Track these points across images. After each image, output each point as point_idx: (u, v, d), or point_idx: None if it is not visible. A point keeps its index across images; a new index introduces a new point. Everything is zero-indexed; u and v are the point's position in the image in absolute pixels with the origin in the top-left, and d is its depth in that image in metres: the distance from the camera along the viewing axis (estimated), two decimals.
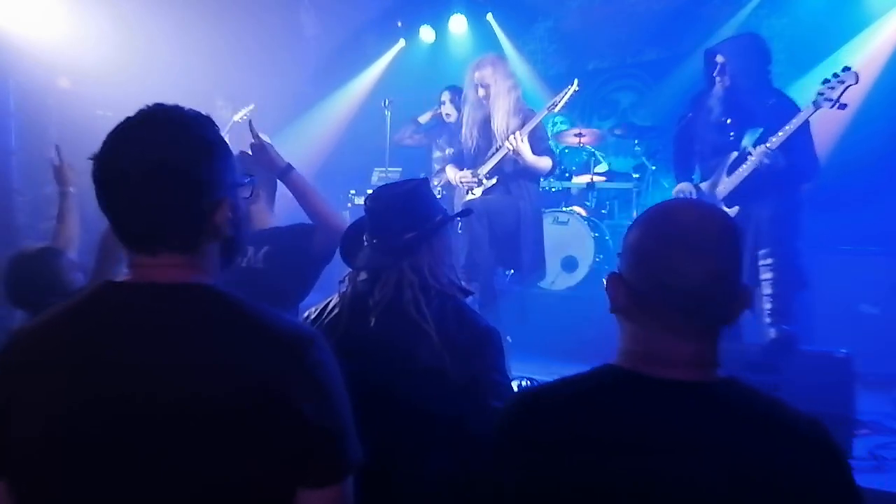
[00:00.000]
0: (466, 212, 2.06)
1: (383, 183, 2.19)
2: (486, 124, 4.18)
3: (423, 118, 5.16)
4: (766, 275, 3.31)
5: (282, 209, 2.76)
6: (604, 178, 5.66)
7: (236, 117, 5.17)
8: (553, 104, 4.18)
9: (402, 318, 1.72)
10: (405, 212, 1.80)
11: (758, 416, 1.02)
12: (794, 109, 3.40)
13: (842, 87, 3.20)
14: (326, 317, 1.82)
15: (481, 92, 4.09)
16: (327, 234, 2.31)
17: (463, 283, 1.99)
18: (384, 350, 1.71)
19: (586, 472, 1.00)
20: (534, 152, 4.08)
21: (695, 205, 1.13)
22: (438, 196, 5.01)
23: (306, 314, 1.93)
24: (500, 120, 4.06)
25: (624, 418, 1.02)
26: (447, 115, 4.86)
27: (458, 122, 4.68)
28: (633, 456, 0.99)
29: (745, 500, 0.96)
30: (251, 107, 5.23)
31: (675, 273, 1.02)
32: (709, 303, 1.03)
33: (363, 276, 1.82)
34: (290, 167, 2.38)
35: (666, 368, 1.04)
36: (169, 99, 1.12)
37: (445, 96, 4.93)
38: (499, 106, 4.07)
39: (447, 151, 4.84)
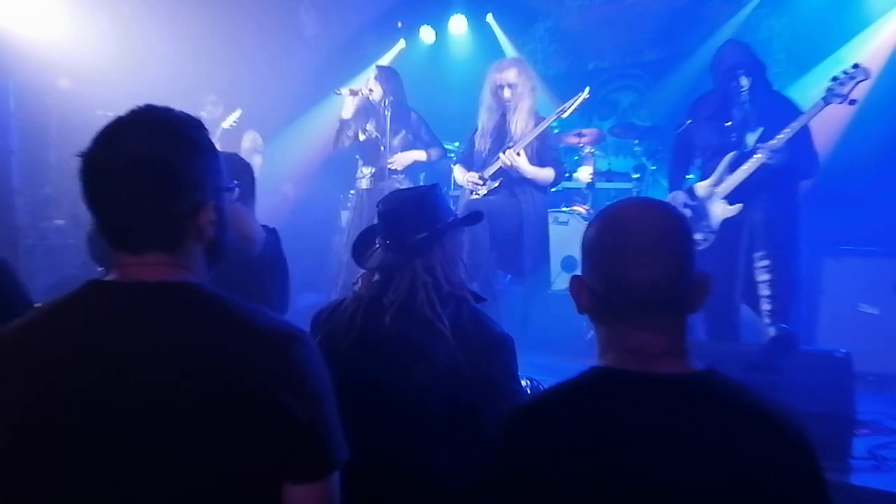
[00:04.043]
0: (478, 215, 2.07)
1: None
2: (500, 127, 4.19)
3: (347, 113, 4.72)
4: (763, 276, 3.32)
5: (276, 220, 2.76)
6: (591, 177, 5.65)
7: (225, 124, 5.14)
8: (562, 110, 4.18)
9: (416, 318, 1.72)
10: (417, 213, 1.82)
11: (739, 409, 1.04)
12: (794, 108, 3.41)
13: (852, 83, 3.20)
14: (340, 318, 1.83)
15: (507, 93, 4.10)
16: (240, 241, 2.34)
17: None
18: (400, 350, 1.71)
19: (581, 472, 1.01)
20: (542, 160, 4.11)
21: (642, 204, 1.16)
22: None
23: (317, 312, 1.94)
24: (522, 120, 4.09)
25: (615, 416, 1.04)
26: (371, 90, 4.60)
27: (397, 104, 4.57)
28: (623, 453, 1.00)
29: (728, 493, 0.97)
30: (238, 112, 5.18)
31: (628, 273, 1.06)
32: (665, 298, 1.06)
33: (376, 277, 1.83)
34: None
35: (645, 363, 1.06)
36: (168, 99, 1.12)
37: (372, 72, 4.72)
38: (522, 106, 4.11)
39: (368, 127, 4.68)
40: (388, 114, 4.51)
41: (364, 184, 4.75)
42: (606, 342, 1.12)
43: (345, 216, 5.41)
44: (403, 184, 4.51)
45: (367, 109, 4.71)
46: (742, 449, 0.99)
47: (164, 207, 1.06)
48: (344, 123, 4.73)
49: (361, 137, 4.74)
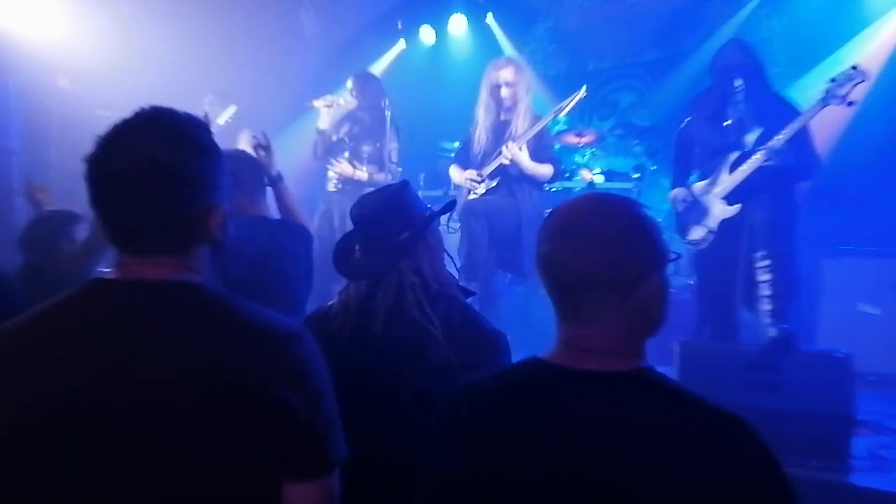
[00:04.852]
0: (451, 204, 2.05)
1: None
2: (497, 126, 4.20)
3: (323, 124, 4.73)
4: (763, 276, 3.32)
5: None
6: (603, 178, 5.66)
7: (220, 120, 5.14)
8: (559, 109, 4.19)
9: (407, 320, 1.71)
10: (394, 214, 1.79)
11: (676, 405, 1.03)
12: (793, 109, 3.41)
13: (850, 85, 3.20)
14: (330, 323, 1.81)
15: (505, 91, 4.10)
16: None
17: (462, 282, 1.99)
18: (391, 352, 1.71)
19: (506, 460, 1.03)
20: (539, 159, 4.11)
21: (590, 198, 1.14)
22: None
23: (306, 319, 1.93)
24: (522, 117, 4.09)
25: (540, 410, 1.05)
26: (346, 101, 4.66)
27: (372, 111, 4.59)
28: (548, 446, 1.01)
29: (671, 488, 0.96)
30: (233, 108, 5.20)
31: (560, 264, 1.06)
32: (599, 288, 1.04)
33: (363, 284, 1.80)
34: (280, 176, 2.68)
35: (581, 358, 1.06)
36: (168, 100, 1.12)
37: (349, 83, 4.74)
38: (521, 104, 4.12)
39: (342, 132, 4.70)
40: (368, 121, 4.57)
41: (331, 186, 4.74)
42: (558, 331, 1.12)
43: None
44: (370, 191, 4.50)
45: (345, 117, 4.75)
46: (671, 447, 0.98)
47: (174, 210, 1.06)
48: (320, 134, 4.75)
49: (334, 139, 4.75)
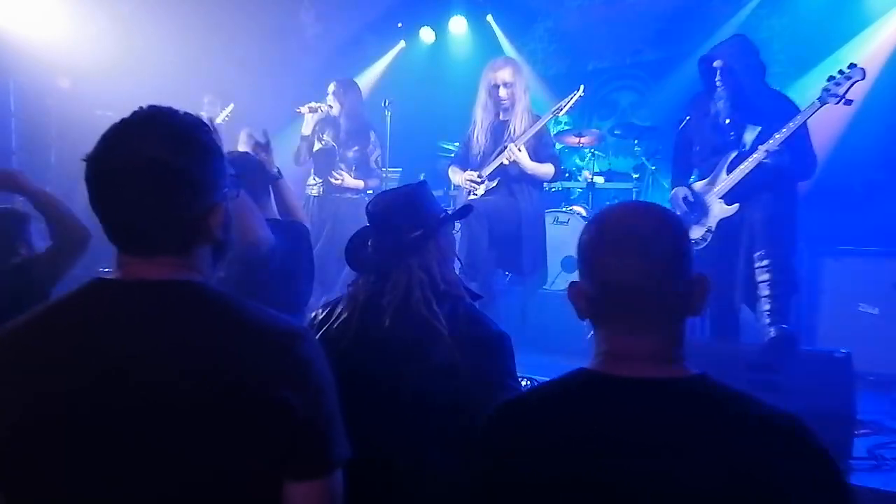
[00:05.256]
0: (468, 208, 2.07)
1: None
2: (496, 127, 4.21)
3: (307, 129, 4.81)
4: (762, 276, 3.32)
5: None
6: (603, 178, 5.67)
7: (218, 119, 5.17)
8: (558, 108, 4.21)
9: (413, 317, 1.72)
10: (408, 211, 1.82)
11: (731, 412, 1.02)
12: (793, 108, 3.40)
13: (848, 83, 3.19)
14: (336, 319, 1.82)
15: (503, 92, 4.11)
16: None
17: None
18: (397, 349, 1.71)
19: (558, 476, 1.01)
20: (539, 158, 4.12)
21: (632, 205, 1.17)
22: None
23: (312, 315, 1.93)
24: (520, 119, 4.11)
25: (591, 420, 1.04)
26: (330, 106, 4.74)
27: (354, 117, 4.69)
28: (600, 457, 1.00)
29: (721, 498, 0.95)
30: (231, 107, 5.23)
31: (611, 273, 1.06)
32: (652, 298, 1.05)
33: (372, 278, 1.82)
34: (280, 174, 2.63)
35: (629, 366, 1.06)
36: (168, 100, 1.12)
37: (331, 88, 4.81)
38: (519, 104, 4.13)
39: (325, 137, 4.77)
40: (350, 126, 4.64)
41: (315, 192, 4.77)
42: (597, 344, 1.12)
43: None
44: (356, 197, 4.60)
45: (325, 121, 4.81)
46: (731, 452, 0.97)
47: (175, 210, 1.06)
48: (304, 139, 4.81)
49: (317, 146, 4.79)
